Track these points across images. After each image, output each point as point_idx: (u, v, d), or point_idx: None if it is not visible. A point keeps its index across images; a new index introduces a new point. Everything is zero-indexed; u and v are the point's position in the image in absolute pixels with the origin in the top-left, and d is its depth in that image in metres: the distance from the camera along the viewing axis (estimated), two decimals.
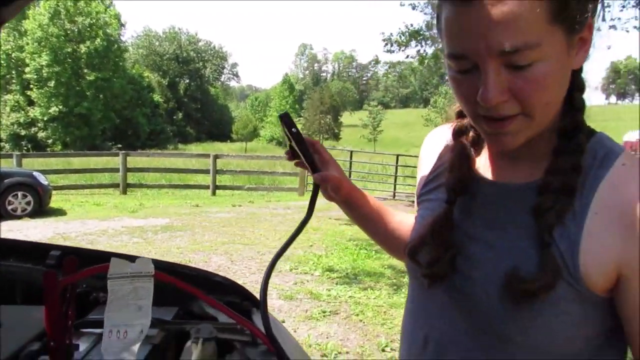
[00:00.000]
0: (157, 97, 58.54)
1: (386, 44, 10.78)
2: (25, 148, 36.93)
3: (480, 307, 0.74)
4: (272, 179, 15.65)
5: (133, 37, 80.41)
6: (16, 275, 1.19)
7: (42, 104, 40.00)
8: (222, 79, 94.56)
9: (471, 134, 0.85)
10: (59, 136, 40.78)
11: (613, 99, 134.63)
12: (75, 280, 0.86)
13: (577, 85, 0.73)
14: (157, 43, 78.47)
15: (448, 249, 0.78)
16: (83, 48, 41.20)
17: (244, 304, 1.19)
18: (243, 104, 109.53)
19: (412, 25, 10.55)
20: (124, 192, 13.02)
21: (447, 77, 0.74)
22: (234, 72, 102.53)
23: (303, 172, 12.51)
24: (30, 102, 41.16)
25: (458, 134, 0.86)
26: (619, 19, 9.21)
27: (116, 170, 13.22)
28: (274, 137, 68.88)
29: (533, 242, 0.71)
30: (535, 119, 0.68)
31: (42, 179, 9.52)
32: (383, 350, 3.77)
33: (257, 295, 0.98)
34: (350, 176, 13.76)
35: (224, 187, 14.08)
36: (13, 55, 40.18)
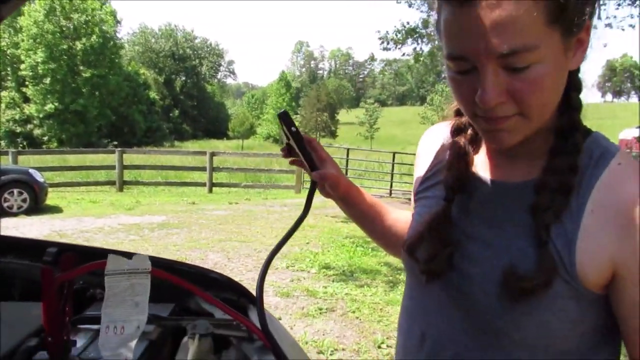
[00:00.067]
0: (153, 95, 58.32)
1: (382, 42, 10.78)
2: (21, 145, 36.72)
3: (477, 304, 0.75)
4: (269, 177, 15.64)
5: (129, 34, 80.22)
6: (14, 271, 1.19)
7: (38, 101, 39.83)
8: (218, 76, 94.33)
9: (469, 132, 0.85)
10: (54, 133, 40.62)
11: (609, 97, 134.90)
12: (73, 277, 0.86)
13: (574, 85, 0.74)
14: (153, 40, 78.16)
15: (446, 246, 0.79)
16: (79, 45, 41.03)
17: (241, 300, 1.20)
18: (239, 101, 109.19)
19: (408, 23, 10.55)
20: (120, 190, 12.99)
21: (444, 76, 0.75)
22: (231, 70, 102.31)
23: (299, 170, 12.50)
24: (26, 99, 40.98)
25: (456, 132, 0.87)
26: (615, 17, 9.25)
27: (112, 167, 13.18)
28: (270, 134, 68.69)
29: (530, 240, 0.72)
30: (531, 119, 0.69)
31: (38, 176, 9.49)
32: (379, 347, 3.78)
33: (254, 292, 0.99)
34: (347, 174, 13.74)
35: (221, 185, 14.07)
36: (8, 52, 39.99)
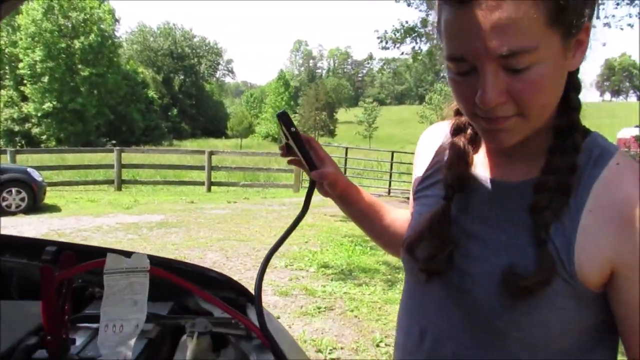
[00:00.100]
0: (151, 93, 58.31)
1: (381, 41, 10.78)
2: (19, 144, 36.72)
3: (477, 303, 0.75)
4: (268, 176, 15.65)
5: (127, 32, 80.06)
6: (12, 270, 1.19)
7: (36, 100, 39.79)
8: (217, 75, 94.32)
9: (469, 131, 0.86)
10: (53, 132, 40.58)
11: (607, 96, 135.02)
12: (71, 275, 0.87)
13: (573, 85, 0.74)
14: (151, 39, 78.09)
15: (446, 245, 0.79)
16: (77, 43, 40.99)
17: (239, 299, 1.20)
18: (238, 100, 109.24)
19: (407, 22, 10.55)
20: (119, 189, 12.98)
21: (442, 75, 0.75)
22: (229, 68, 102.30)
23: (298, 169, 12.46)
24: (24, 98, 40.94)
25: (456, 131, 0.88)
26: (614, 16, 9.29)
27: (111, 166, 13.18)
28: (269, 133, 68.71)
29: (530, 239, 0.72)
30: (531, 119, 0.69)
31: (36, 175, 9.49)
32: (377, 346, 3.79)
33: (252, 291, 0.99)
34: (345, 173, 13.76)
35: (219, 184, 14.08)
36: (6, 50, 39.92)
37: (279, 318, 4.12)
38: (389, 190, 14.45)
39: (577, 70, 0.74)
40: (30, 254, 1.19)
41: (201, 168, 13.68)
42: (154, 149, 19.35)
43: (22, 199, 9.13)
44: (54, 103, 39.69)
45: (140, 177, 14.64)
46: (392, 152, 15.50)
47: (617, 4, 8.87)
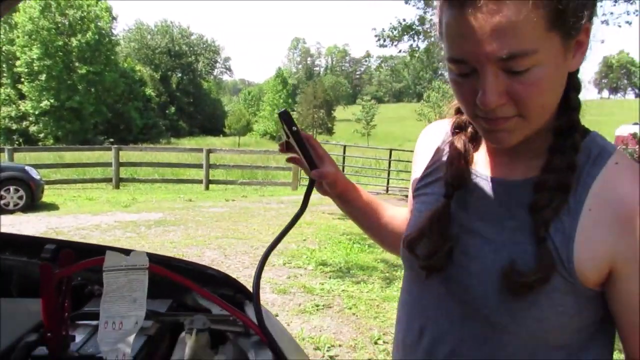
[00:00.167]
0: (149, 91, 58.13)
1: (379, 39, 10.78)
2: (17, 142, 36.59)
3: (476, 299, 0.76)
4: (266, 174, 15.64)
5: (124, 30, 79.83)
6: (11, 268, 1.20)
7: (34, 98, 39.64)
8: (214, 73, 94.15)
9: (470, 129, 0.86)
10: (50, 130, 40.45)
11: (605, 93, 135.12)
12: (71, 273, 0.87)
13: (573, 85, 0.75)
14: (149, 36, 77.86)
15: (446, 242, 0.80)
16: (74, 41, 40.82)
17: (237, 296, 1.20)
18: (236, 98, 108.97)
19: (404, 19, 10.55)
20: (117, 187, 12.96)
21: (440, 72, 0.76)
22: (227, 66, 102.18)
23: (296, 167, 12.42)
24: (22, 96, 40.77)
25: (457, 129, 0.88)
26: (612, 13, 9.27)
27: (109, 164, 13.15)
28: (267, 131, 68.58)
29: (529, 237, 0.73)
30: (531, 120, 0.70)
31: (34, 174, 9.47)
32: (375, 343, 3.80)
33: (251, 288, 1.00)
34: (343, 171, 13.76)
35: (217, 182, 14.06)
36: (4, 48, 39.76)
37: (277, 316, 4.13)
38: (387, 188, 14.46)
39: (578, 70, 0.75)
40: (29, 251, 1.20)
41: (199, 166, 13.67)
42: (152, 147, 19.32)
43: (20, 197, 9.11)
44: (52, 101, 39.55)
45: (138, 175, 14.61)
46: (390, 150, 15.51)
47: (615, 2, 8.88)
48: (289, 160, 1.04)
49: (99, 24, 42.88)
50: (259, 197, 12.12)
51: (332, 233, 7.56)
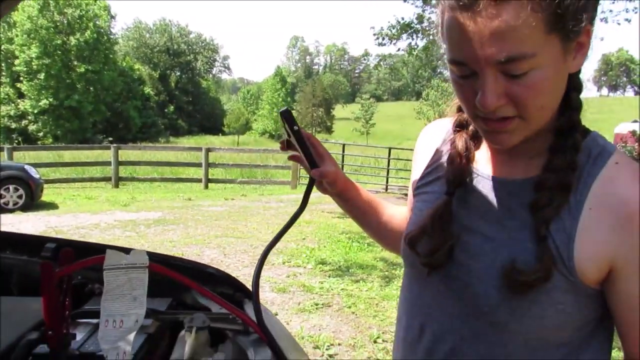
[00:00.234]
0: (148, 90, 58.10)
1: (377, 37, 10.77)
2: (16, 141, 36.56)
3: (476, 297, 0.77)
4: (265, 172, 15.63)
5: (123, 29, 79.76)
6: (13, 267, 1.20)
7: (32, 97, 39.65)
8: (213, 72, 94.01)
9: (471, 128, 0.87)
10: (49, 129, 40.45)
11: (605, 91, 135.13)
12: (71, 271, 0.88)
13: (574, 85, 0.75)
14: (147, 35, 77.80)
15: (447, 240, 0.80)
16: (73, 40, 40.81)
17: (236, 295, 1.21)
18: (235, 96, 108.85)
19: (403, 18, 10.54)
20: (116, 186, 12.96)
21: (439, 71, 0.77)
22: (226, 65, 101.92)
23: (295, 165, 12.49)
24: (20, 95, 40.77)
25: (458, 127, 0.89)
26: (611, 11, 9.27)
27: (108, 163, 13.14)
28: (266, 130, 68.60)
29: (530, 235, 0.73)
30: (531, 122, 0.71)
31: (34, 173, 9.46)
32: (375, 342, 3.81)
33: (250, 287, 1.01)
34: (343, 169, 13.73)
35: (217, 181, 14.05)
36: (2, 47, 39.71)
37: (276, 314, 4.14)
38: (387, 186, 14.46)
39: (579, 70, 0.75)
40: (30, 250, 1.20)
41: (198, 165, 13.66)
42: (151, 146, 19.34)
43: (20, 196, 9.10)
44: (50, 100, 39.55)
45: (138, 174, 14.61)
46: (389, 149, 15.51)
47: None
48: (290, 158, 1.04)
49: (97, 22, 42.90)
50: (258, 196, 12.12)
51: (331, 232, 7.57)
